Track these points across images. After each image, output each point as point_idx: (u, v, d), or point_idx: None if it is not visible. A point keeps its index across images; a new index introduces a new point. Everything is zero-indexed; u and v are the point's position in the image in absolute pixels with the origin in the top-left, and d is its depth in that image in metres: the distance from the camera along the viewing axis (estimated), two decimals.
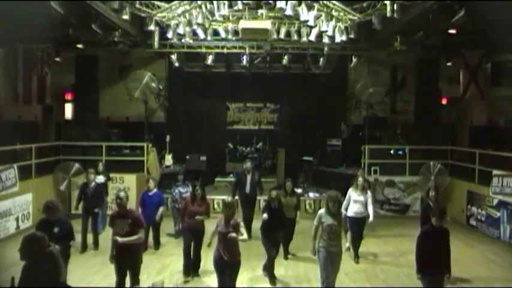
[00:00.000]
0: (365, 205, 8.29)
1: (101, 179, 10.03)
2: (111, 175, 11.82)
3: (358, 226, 8.37)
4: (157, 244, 8.99)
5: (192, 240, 7.39)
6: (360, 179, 8.41)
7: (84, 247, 8.72)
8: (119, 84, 13.83)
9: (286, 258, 8.44)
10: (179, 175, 10.07)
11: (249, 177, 9.89)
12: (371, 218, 8.27)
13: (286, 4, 9.41)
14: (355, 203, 8.29)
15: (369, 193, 8.47)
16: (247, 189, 9.83)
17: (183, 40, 11.56)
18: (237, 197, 9.72)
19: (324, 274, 6.17)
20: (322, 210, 6.29)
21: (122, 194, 6.22)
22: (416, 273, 5.64)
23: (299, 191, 11.34)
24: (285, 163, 14.35)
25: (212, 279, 7.30)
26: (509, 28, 8.88)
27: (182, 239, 7.72)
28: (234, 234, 5.89)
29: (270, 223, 7.39)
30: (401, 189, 12.30)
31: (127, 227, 5.98)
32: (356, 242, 8.46)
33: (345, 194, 12.02)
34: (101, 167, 10.41)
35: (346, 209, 8.25)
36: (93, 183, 9.16)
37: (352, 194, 8.35)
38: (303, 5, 9.59)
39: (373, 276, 7.66)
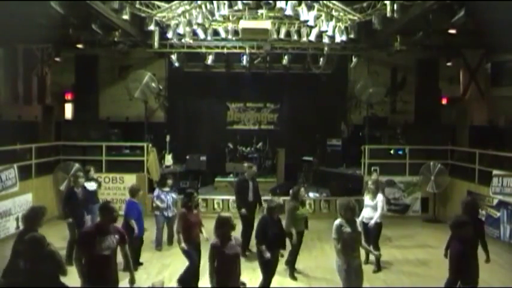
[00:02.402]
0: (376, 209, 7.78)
1: (92, 185, 9.22)
2: (111, 175, 11.87)
3: (369, 232, 7.70)
4: (135, 263, 7.33)
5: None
6: (369, 182, 8.06)
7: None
8: (119, 84, 13.83)
9: (293, 277, 7.57)
10: (169, 180, 9.19)
11: (251, 184, 8.91)
12: (371, 222, 7.71)
13: (286, 4, 9.40)
14: (365, 207, 7.91)
15: (380, 196, 7.86)
16: (250, 197, 8.84)
17: (183, 40, 11.56)
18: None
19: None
20: (338, 221, 5.73)
21: (112, 204, 5.36)
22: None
23: None
24: (285, 163, 14.36)
25: None
26: (509, 28, 8.89)
27: (189, 260, 6.63)
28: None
29: (270, 241, 6.29)
30: (401, 189, 12.30)
31: (114, 244, 4.92)
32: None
33: (344, 193, 12.18)
34: (92, 172, 9.48)
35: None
36: (79, 188, 8.36)
37: (365, 198, 7.97)
38: (303, 5, 9.57)
39: (373, 276, 7.65)
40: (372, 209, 7.85)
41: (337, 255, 5.71)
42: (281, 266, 7.94)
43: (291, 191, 7.77)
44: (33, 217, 5.22)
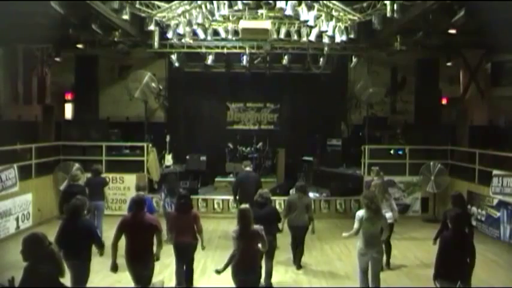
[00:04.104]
0: (389, 208, 7.81)
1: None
2: (111, 175, 11.86)
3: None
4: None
5: None
6: (374, 187, 7.93)
7: None
8: (119, 84, 13.84)
9: (299, 268, 7.94)
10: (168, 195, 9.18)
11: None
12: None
13: (286, 4, 9.41)
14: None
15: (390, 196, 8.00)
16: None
17: (183, 40, 11.57)
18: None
19: (361, 279, 6.18)
20: (361, 212, 6.11)
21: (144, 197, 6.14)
22: None
23: None
24: (285, 163, 14.37)
25: (211, 280, 7.31)
26: (509, 28, 8.89)
27: None
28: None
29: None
30: (401, 189, 12.29)
31: (148, 232, 5.72)
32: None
33: (344, 193, 12.18)
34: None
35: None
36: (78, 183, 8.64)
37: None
38: (303, 5, 9.58)
39: None
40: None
41: (359, 242, 6.14)
42: (281, 265, 7.98)
43: (299, 187, 8.04)
44: (79, 207, 5.75)
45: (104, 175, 11.52)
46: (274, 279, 7.33)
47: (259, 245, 5.54)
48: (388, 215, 7.55)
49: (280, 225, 7.39)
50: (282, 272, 7.72)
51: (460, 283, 5.26)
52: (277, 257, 8.16)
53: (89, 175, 9.68)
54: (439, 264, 5.27)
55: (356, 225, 6.08)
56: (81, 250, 5.58)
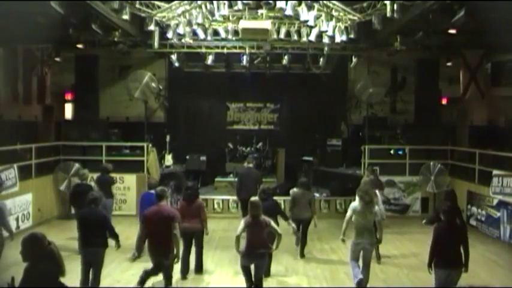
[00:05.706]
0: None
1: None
2: (112, 175, 11.85)
3: None
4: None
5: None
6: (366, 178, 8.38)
7: None
8: (119, 84, 13.83)
9: (302, 257, 8.54)
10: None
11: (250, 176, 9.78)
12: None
13: (286, 4, 9.41)
14: None
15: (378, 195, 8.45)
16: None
17: (183, 40, 11.55)
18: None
19: (353, 268, 6.50)
20: (353, 204, 6.46)
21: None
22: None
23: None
24: (285, 163, 14.38)
25: (212, 279, 7.31)
26: (509, 28, 8.90)
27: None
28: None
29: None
30: (401, 189, 12.29)
31: (168, 223, 6.08)
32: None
33: (344, 193, 12.18)
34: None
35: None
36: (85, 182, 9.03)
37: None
38: (303, 5, 9.58)
39: (373, 276, 7.61)
40: None
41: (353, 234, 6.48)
42: (281, 265, 7.99)
43: (302, 183, 8.56)
44: (97, 198, 6.38)
45: None
46: (274, 280, 7.35)
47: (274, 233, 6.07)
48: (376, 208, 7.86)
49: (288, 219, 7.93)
50: (282, 273, 7.72)
51: (457, 271, 5.54)
52: (278, 258, 8.19)
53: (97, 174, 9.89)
54: (432, 252, 5.63)
55: (348, 213, 6.48)
56: (100, 237, 6.08)
